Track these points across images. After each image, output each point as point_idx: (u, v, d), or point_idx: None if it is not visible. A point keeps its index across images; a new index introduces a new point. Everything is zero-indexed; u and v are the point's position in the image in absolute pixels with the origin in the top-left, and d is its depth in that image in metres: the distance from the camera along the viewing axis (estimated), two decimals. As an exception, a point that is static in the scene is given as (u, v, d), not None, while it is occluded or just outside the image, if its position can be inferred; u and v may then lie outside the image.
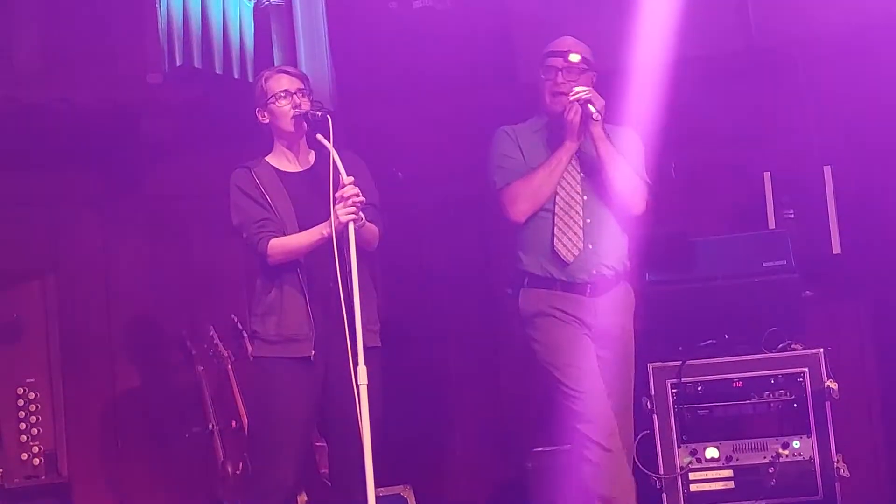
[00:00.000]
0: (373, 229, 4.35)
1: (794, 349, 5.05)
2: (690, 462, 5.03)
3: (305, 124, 4.33)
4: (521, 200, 4.55)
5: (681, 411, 5.05)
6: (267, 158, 4.45)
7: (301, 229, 4.28)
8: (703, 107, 5.59)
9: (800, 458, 4.96)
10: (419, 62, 6.04)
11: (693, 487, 5.02)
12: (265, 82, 4.41)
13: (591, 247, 4.53)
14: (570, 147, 4.54)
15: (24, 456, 5.50)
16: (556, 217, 4.54)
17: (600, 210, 4.57)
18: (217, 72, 5.70)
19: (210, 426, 5.51)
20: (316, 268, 4.27)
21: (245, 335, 5.38)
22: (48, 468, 5.52)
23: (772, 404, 5.02)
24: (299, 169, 4.44)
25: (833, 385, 4.92)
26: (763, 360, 5.03)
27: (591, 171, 4.58)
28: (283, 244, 4.28)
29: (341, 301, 4.10)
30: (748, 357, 5.05)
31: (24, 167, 5.74)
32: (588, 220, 4.54)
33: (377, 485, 3.98)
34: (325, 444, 4.76)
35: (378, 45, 6.06)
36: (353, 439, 4.02)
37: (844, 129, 5.69)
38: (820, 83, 5.74)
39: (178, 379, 5.85)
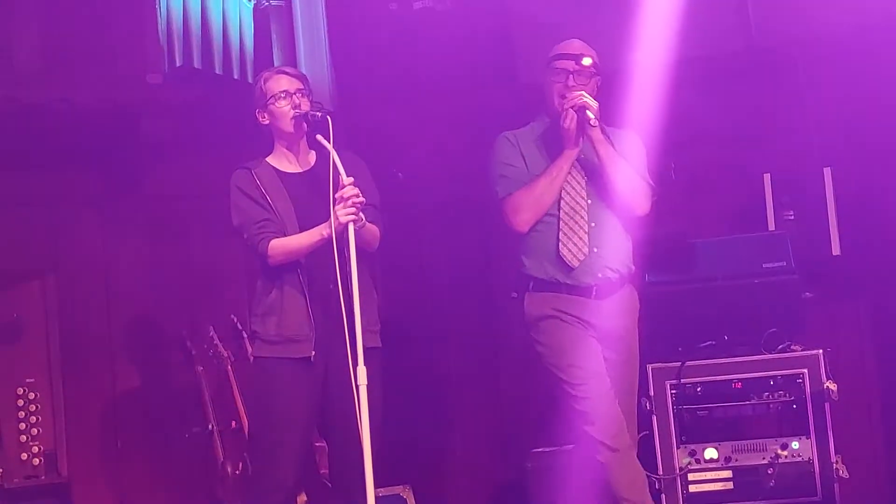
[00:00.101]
0: (373, 230, 4.35)
1: (794, 350, 5.05)
2: (689, 463, 5.03)
3: (305, 125, 4.33)
4: (524, 210, 4.54)
5: (680, 412, 5.05)
6: (267, 159, 4.44)
7: (301, 230, 4.28)
8: (703, 107, 5.59)
9: (799, 459, 4.96)
10: (419, 62, 6.05)
11: (692, 488, 5.02)
12: (264, 83, 4.40)
13: (595, 250, 4.51)
14: (569, 154, 4.52)
15: (24, 456, 5.50)
16: (560, 222, 4.53)
17: (604, 213, 4.56)
18: (217, 72, 5.71)
19: (210, 426, 5.51)
20: (316, 268, 4.26)
21: (245, 335, 5.38)
22: (48, 468, 5.52)
23: (771, 405, 5.02)
24: (300, 170, 4.44)
25: (832, 386, 4.92)
26: (762, 361, 5.04)
27: (595, 174, 4.56)
28: (284, 245, 4.27)
29: (341, 302, 4.10)
30: (747, 358, 5.06)
31: (24, 167, 5.74)
32: (593, 224, 4.53)
33: (377, 485, 3.98)
34: (325, 445, 4.77)
35: (378, 46, 6.07)
36: (353, 440, 4.01)
37: (844, 130, 5.69)
38: (820, 83, 5.73)
39: (178, 379, 5.85)
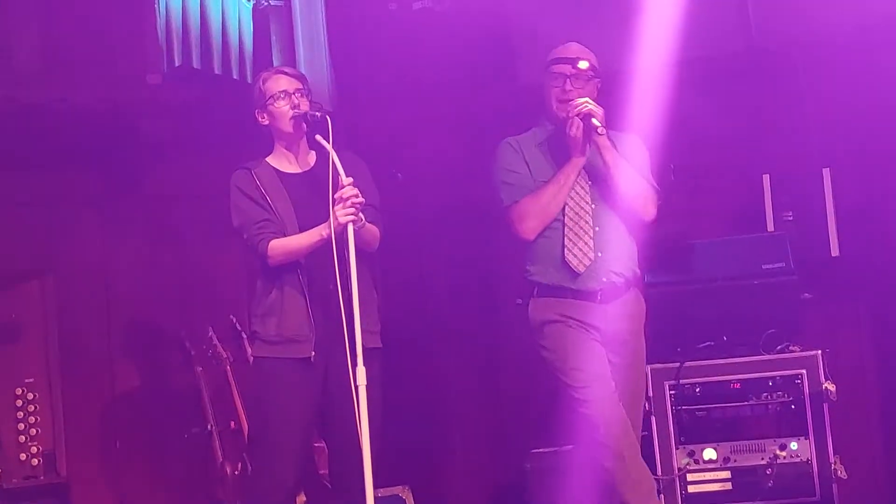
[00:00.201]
0: (373, 230, 4.34)
1: (793, 351, 5.06)
2: (688, 463, 5.04)
3: (304, 125, 4.32)
4: (530, 218, 4.51)
5: (679, 412, 5.06)
6: (267, 159, 4.44)
7: (301, 230, 4.28)
8: (703, 108, 5.58)
9: (797, 459, 4.97)
10: (419, 63, 6.05)
11: (691, 489, 5.03)
12: (263, 83, 4.39)
13: (600, 255, 4.49)
14: (577, 163, 4.49)
15: (23, 456, 5.49)
16: (566, 228, 4.50)
17: (609, 218, 4.53)
18: (216, 72, 5.71)
19: (209, 427, 5.51)
20: (316, 269, 4.26)
21: (244, 336, 5.39)
22: (47, 468, 5.51)
23: (770, 406, 5.03)
24: (299, 170, 4.43)
25: (831, 387, 4.92)
26: (761, 362, 5.04)
27: (599, 179, 4.54)
28: (284, 245, 4.27)
29: (341, 302, 4.10)
30: (746, 359, 5.06)
31: (23, 167, 5.74)
32: (597, 229, 4.50)
33: (376, 485, 3.97)
34: (324, 445, 4.77)
35: (378, 46, 6.07)
36: (353, 440, 4.00)
37: (844, 132, 5.69)
38: (820, 84, 5.74)
39: (177, 379, 5.85)
